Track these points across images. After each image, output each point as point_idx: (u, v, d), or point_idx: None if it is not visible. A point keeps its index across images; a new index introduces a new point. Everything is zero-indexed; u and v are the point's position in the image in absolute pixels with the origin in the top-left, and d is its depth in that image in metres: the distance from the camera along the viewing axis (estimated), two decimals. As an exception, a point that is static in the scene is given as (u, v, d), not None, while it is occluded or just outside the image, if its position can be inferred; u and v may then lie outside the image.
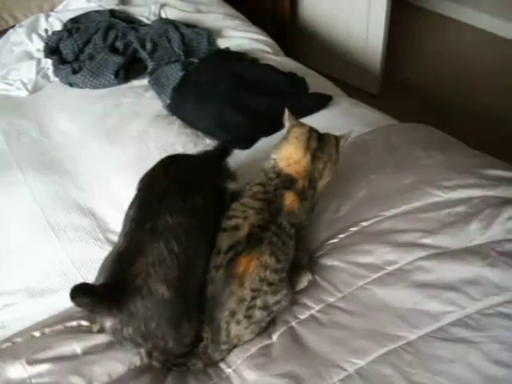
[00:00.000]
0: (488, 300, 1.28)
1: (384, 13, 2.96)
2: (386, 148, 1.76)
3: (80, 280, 1.50)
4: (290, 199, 1.32)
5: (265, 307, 1.24)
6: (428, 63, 3.58)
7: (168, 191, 1.33)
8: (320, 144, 1.42)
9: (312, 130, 1.44)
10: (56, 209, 1.75)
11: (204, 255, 1.26)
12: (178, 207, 1.27)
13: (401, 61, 3.58)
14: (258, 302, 1.22)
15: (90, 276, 1.40)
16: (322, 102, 2.03)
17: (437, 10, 4.06)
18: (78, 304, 1.15)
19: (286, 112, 1.48)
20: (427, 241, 1.44)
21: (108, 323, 1.19)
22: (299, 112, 1.95)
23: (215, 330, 1.24)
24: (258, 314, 1.23)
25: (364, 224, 1.53)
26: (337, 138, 1.47)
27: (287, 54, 2.97)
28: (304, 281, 1.38)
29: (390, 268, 1.39)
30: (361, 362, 1.22)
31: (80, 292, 1.12)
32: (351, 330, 1.29)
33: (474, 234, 1.43)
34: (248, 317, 1.23)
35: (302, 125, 1.46)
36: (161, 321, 1.17)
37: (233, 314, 1.21)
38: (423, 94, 3.29)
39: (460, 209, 1.51)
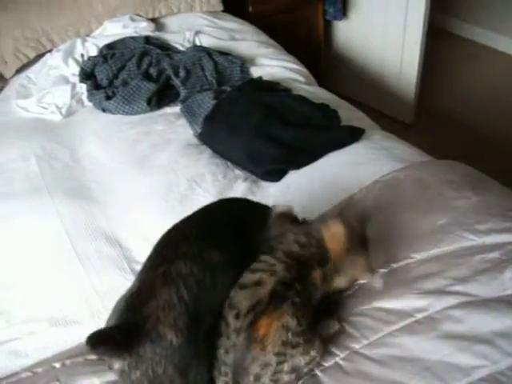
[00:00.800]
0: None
1: (419, 40, 2.94)
2: (418, 187, 1.72)
3: (102, 311, 1.50)
4: (319, 274, 1.26)
5: (293, 370, 1.17)
6: (463, 92, 3.53)
7: (187, 237, 1.30)
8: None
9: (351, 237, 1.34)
10: (83, 236, 1.76)
11: (216, 310, 1.22)
12: (193, 256, 1.24)
13: (436, 90, 3.54)
14: (286, 367, 1.15)
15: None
16: (354, 135, 2.00)
17: (472, 38, 4.01)
18: (96, 353, 1.14)
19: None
20: (458, 288, 1.38)
21: (116, 365, 1.17)
22: (331, 145, 1.95)
23: None
24: (285, 377, 1.17)
25: (394, 266, 1.49)
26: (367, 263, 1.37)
27: (321, 82, 2.96)
28: (332, 328, 1.34)
29: (418, 316, 1.34)
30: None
31: (97, 341, 1.11)
32: (375, 380, 1.24)
33: (509, 283, 1.37)
34: (275, 381, 1.16)
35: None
36: (168, 366, 1.14)
37: (258, 378, 1.15)
38: (458, 124, 3.24)
39: (494, 255, 1.45)
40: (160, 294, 1.18)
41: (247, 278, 1.20)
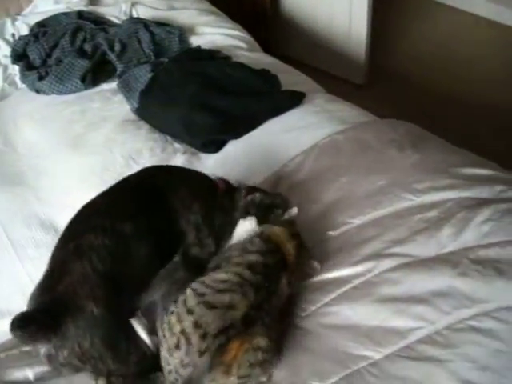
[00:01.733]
0: (458, 313, 1.19)
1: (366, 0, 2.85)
2: (357, 148, 1.67)
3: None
4: (285, 282, 1.21)
5: None
6: (414, 50, 3.46)
7: (98, 211, 1.27)
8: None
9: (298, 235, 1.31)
10: (17, 224, 1.69)
11: (137, 281, 1.18)
12: (103, 229, 1.20)
13: (387, 49, 3.47)
14: None
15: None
16: (294, 99, 1.94)
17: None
18: (18, 338, 1.09)
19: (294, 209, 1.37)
20: (396, 250, 1.35)
21: (42, 350, 1.13)
22: (270, 112, 1.90)
23: None
24: None
25: (331, 233, 1.45)
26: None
27: (270, 47, 2.89)
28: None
29: (356, 281, 1.31)
30: (328, 384, 1.15)
31: (18, 325, 1.06)
32: (314, 352, 1.21)
33: (446, 241, 1.35)
34: None
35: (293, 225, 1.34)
36: (94, 339, 1.10)
37: None
38: (410, 84, 3.18)
39: (432, 213, 1.42)
40: (73, 269, 1.14)
41: (215, 298, 1.11)
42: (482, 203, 1.43)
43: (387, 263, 1.33)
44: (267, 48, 2.70)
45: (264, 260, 1.19)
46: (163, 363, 1.12)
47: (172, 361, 1.09)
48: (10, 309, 1.48)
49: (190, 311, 1.09)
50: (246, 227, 1.32)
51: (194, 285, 1.15)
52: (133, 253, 1.20)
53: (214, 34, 2.41)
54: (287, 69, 2.29)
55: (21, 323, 1.07)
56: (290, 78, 2.18)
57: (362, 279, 1.31)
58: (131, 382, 1.19)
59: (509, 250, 1.30)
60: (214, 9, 2.65)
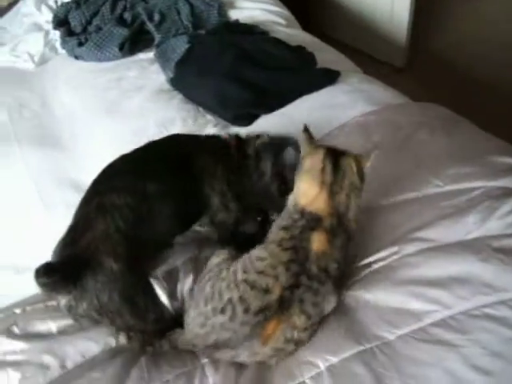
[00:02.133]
0: (476, 300, 1.18)
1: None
2: (388, 129, 1.66)
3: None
4: (317, 241, 1.18)
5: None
6: (457, 34, 3.39)
7: (121, 171, 1.31)
8: (337, 176, 1.22)
9: (326, 159, 1.23)
10: (50, 185, 1.74)
11: (158, 241, 1.23)
12: (126, 188, 1.24)
13: (430, 32, 3.40)
14: (274, 360, 1.17)
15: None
16: (329, 78, 1.93)
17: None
18: (42, 286, 1.14)
19: (302, 134, 1.28)
20: (420, 234, 1.33)
21: (63, 301, 1.18)
22: (304, 88, 1.89)
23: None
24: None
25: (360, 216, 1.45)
26: (358, 161, 1.26)
27: (310, 25, 2.87)
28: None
29: (376, 266, 1.31)
30: (333, 359, 1.16)
31: (43, 273, 1.12)
32: (330, 329, 1.22)
33: (471, 228, 1.33)
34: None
35: (316, 152, 1.25)
36: (112, 294, 1.15)
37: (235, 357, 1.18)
38: (451, 68, 3.12)
39: (459, 200, 1.40)
40: (96, 225, 1.18)
41: (255, 278, 1.14)
42: (508, 193, 1.40)
43: (410, 248, 1.31)
44: (307, 25, 2.68)
45: (291, 233, 1.19)
46: (197, 315, 1.17)
47: (214, 320, 1.14)
48: (33, 265, 1.54)
49: (237, 285, 1.14)
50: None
51: (244, 258, 1.19)
52: (155, 212, 1.23)
53: (253, 8, 2.42)
54: (324, 47, 2.28)
55: (45, 272, 1.12)
56: (326, 56, 2.17)
57: (383, 263, 1.31)
58: (150, 338, 1.23)
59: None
60: (256, -17, 2.63)
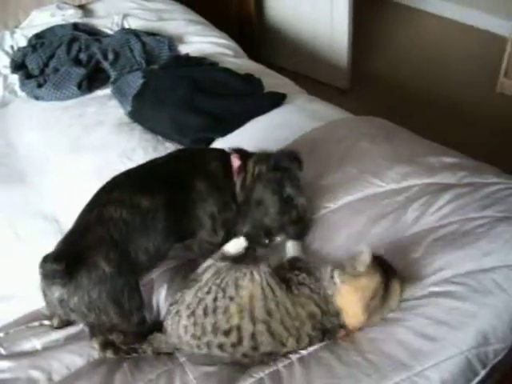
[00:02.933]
0: (421, 284, 1.35)
1: (347, 6, 3.01)
2: (333, 141, 1.83)
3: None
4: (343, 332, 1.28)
5: None
6: (397, 55, 3.65)
7: (120, 185, 1.44)
8: (381, 300, 1.29)
9: (381, 286, 1.27)
10: (20, 216, 1.82)
11: (149, 253, 1.37)
12: (122, 202, 1.37)
13: (370, 54, 3.64)
14: None
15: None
16: (276, 100, 2.10)
17: (402, 2, 4.13)
18: (45, 271, 1.26)
19: (366, 252, 1.27)
20: (365, 232, 1.51)
21: (56, 293, 1.29)
22: (254, 111, 2.05)
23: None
24: None
25: (314, 216, 1.59)
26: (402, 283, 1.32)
27: (255, 54, 3.04)
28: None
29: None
30: (304, 352, 1.28)
31: (53, 258, 1.26)
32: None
33: (410, 224, 1.50)
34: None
35: (373, 277, 1.27)
36: (102, 293, 1.28)
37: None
38: (393, 87, 3.35)
39: (399, 198, 1.58)
40: (94, 231, 1.33)
41: (277, 328, 1.24)
42: (444, 188, 1.58)
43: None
44: (252, 55, 2.85)
45: (323, 323, 1.26)
46: (192, 324, 1.26)
47: (211, 338, 1.24)
48: (16, 292, 1.61)
49: (254, 321, 1.23)
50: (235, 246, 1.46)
51: (266, 292, 1.27)
52: (147, 226, 1.37)
53: (202, 42, 2.57)
54: (270, 73, 2.45)
55: (55, 258, 1.25)
56: (272, 81, 2.34)
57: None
58: (131, 340, 1.34)
59: (466, 225, 1.45)
60: (201, 19, 2.81)
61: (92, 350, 1.38)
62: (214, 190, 1.49)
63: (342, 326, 1.27)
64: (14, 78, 2.39)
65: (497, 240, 1.40)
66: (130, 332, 1.34)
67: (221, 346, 1.24)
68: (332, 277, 1.28)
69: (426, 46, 3.67)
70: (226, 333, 1.23)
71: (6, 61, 2.45)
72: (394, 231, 1.49)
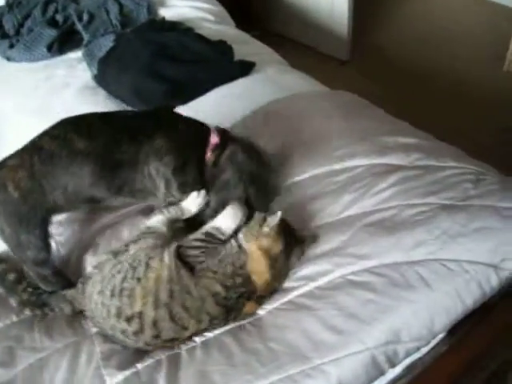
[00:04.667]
0: (341, 270, 1.26)
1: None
2: (287, 115, 1.73)
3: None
4: (248, 306, 1.24)
5: None
6: (400, 27, 3.49)
7: (65, 124, 1.39)
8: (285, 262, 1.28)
9: (283, 250, 1.26)
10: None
11: (61, 191, 1.31)
12: (58, 137, 1.33)
13: (373, 25, 3.49)
14: None
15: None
16: (243, 69, 2.01)
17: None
18: None
19: (277, 216, 1.25)
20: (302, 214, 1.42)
21: None
22: (219, 79, 1.96)
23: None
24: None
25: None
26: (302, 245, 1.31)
27: (252, 21, 2.94)
28: None
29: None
30: (209, 335, 1.23)
31: None
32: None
33: (347, 205, 1.40)
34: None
35: (278, 238, 1.25)
36: (6, 215, 1.29)
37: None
38: (394, 60, 3.20)
39: (340, 178, 1.48)
40: (20, 156, 1.31)
41: (179, 312, 1.18)
42: (391, 170, 1.48)
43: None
44: (250, 21, 2.75)
45: (228, 294, 1.20)
46: (100, 304, 1.21)
47: (115, 322, 1.19)
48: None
49: (156, 306, 1.17)
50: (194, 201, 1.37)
51: (171, 270, 1.21)
52: (74, 165, 1.30)
53: (184, 6, 2.48)
54: (250, 41, 2.35)
55: None
56: (251, 50, 2.25)
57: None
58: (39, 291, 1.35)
59: (404, 212, 1.35)
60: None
61: (9, 313, 1.34)
62: (173, 151, 1.37)
63: (251, 295, 1.21)
64: (-10, 39, 2.35)
65: (433, 230, 1.29)
66: (29, 269, 1.35)
67: (123, 332, 1.19)
68: (240, 246, 1.23)
69: (432, 19, 3.48)
70: (129, 319, 1.18)
71: (-17, 20, 2.41)
72: (327, 213, 1.40)
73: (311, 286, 1.25)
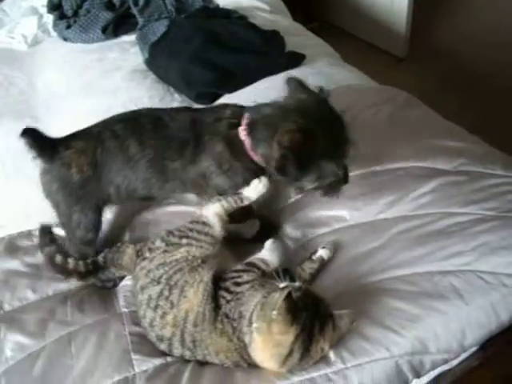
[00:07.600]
0: (370, 277, 1.23)
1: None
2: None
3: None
4: None
5: None
6: (463, 29, 3.34)
7: (126, 120, 1.37)
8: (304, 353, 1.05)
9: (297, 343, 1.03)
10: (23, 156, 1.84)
11: (114, 189, 1.34)
12: (117, 137, 1.32)
13: (433, 23, 3.37)
14: None
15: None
16: (293, 60, 1.98)
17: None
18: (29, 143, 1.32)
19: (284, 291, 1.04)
20: (337, 213, 1.40)
21: (41, 167, 1.34)
22: (267, 70, 1.95)
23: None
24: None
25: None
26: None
27: (315, 14, 2.88)
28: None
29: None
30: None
31: (30, 133, 1.32)
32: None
33: (383, 208, 1.36)
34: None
35: (288, 328, 1.02)
36: (63, 193, 1.32)
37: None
38: (453, 63, 3.07)
39: (379, 179, 1.44)
40: (82, 141, 1.32)
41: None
42: (433, 174, 1.43)
43: (324, 229, 1.38)
44: (310, 13, 2.71)
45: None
46: (141, 300, 1.20)
47: (148, 327, 1.18)
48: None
49: (183, 345, 1.14)
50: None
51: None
52: (126, 170, 1.32)
53: (240, -6, 2.47)
54: (303, 32, 2.32)
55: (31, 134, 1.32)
56: (303, 40, 2.22)
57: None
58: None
59: (442, 220, 1.30)
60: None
61: (46, 287, 1.37)
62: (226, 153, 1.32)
63: None
64: (50, 18, 2.41)
65: (470, 241, 1.23)
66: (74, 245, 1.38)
67: (153, 338, 1.18)
68: (250, 324, 1.07)
69: (498, 23, 3.32)
70: (159, 338, 1.17)
71: (44, 0, 2.47)
72: (362, 214, 1.36)
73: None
